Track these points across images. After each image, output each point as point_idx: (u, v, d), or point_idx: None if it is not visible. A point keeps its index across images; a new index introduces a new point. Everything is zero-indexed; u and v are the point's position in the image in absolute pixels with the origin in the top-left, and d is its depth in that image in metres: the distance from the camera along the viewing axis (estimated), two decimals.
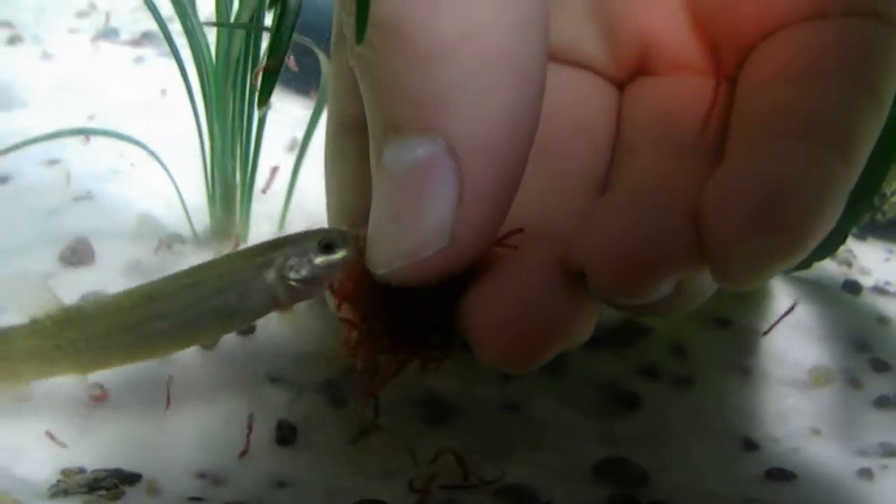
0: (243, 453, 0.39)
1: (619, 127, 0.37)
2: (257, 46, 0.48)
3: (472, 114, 0.28)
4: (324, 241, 0.36)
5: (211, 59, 0.48)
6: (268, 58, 0.32)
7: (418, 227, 0.29)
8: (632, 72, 0.37)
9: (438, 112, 0.28)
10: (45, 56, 0.74)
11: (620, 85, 0.38)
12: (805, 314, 0.51)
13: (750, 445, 0.43)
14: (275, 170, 0.50)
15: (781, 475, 0.41)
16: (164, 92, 0.67)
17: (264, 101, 0.34)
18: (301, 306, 0.37)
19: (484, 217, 0.29)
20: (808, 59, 0.31)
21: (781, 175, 0.27)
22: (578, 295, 0.30)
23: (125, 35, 0.79)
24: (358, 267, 0.32)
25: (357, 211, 0.37)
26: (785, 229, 0.26)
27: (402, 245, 0.29)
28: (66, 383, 0.41)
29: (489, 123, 0.28)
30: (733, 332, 0.49)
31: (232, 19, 0.47)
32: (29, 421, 0.40)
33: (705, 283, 0.31)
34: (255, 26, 0.46)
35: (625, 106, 0.37)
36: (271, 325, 0.45)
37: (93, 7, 0.86)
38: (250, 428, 0.40)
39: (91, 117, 0.65)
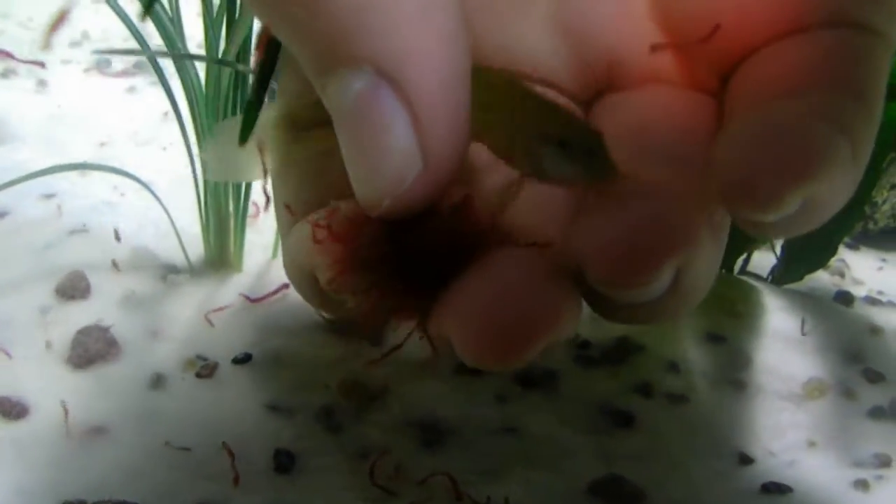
0: (236, 480, 0.39)
1: None
2: (247, 76, 0.48)
3: (388, 30, 0.27)
4: None
5: (201, 88, 0.49)
6: (249, 96, 0.33)
7: (389, 161, 0.28)
8: (597, 88, 0.37)
9: (356, 41, 0.27)
10: (39, 87, 0.75)
11: (584, 102, 0.37)
12: (798, 327, 0.51)
13: (746, 460, 0.43)
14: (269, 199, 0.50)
15: (777, 489, 0.41)
16: (165, 115, 0.68)
17: (245, 137, 0.34)
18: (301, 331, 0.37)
19: (446, 126, 0.28)
20: (796, 74, 0.31)
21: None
22: (562, 287, 0.30)
23: (118, 65, 0.80)
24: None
25: (309, 199, 0.37)
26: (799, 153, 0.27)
27: (381, 182, 0.28)
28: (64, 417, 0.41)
29: (409, 36, 0.27)
30: (726, 347, 0.49)
31: (221, 49, 0.48)
32: (27, 455, 0.40)
33: (700, 278, 0.31)
34: (227, 62, 0.47)
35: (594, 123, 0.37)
36: (269, 353, 0.45)
37: (86, 37, 0.86)
38: (231, 455, 0.40)
39: (102, 144, 0.65)
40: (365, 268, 0.31)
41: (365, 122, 0.28)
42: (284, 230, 0.39)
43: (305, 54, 0.29)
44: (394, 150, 0.28)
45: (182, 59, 0.48)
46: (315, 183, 0.37)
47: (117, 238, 0.54)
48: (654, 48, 0.35)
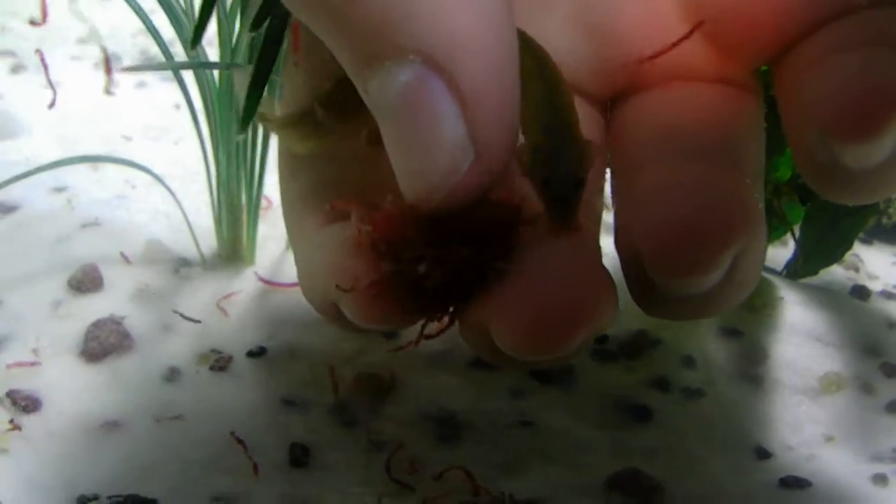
0: (255, 469, 0.39)
1: (612, 148, 0.36)
2: None
3: (436, 18, 0.27)
4: None
5: (214, 81, 0.49)
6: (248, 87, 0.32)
7: (439, 153, 0.27)
8: (618, 88, 0.36)
9: (403, 32, 0.27)
10: (48, 84, 0.74)
11: (602, 103, 0.37)
12: (814, 321, 0.51)
13: (763, 454, 0.42)
14: None
15: (796, 483, 0.41)
16: (177, 107, 0.67)
17: (245, 127, 0.33)
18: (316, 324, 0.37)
19: (497, 114, 0.27)
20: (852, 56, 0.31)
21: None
22: (604, 278, 0.30)
23: (127, 60, 0.79)
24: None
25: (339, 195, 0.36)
26: None
27: (433, 176, 0.28)
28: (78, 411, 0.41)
29: (456, 23, 0.27)
30: (743, 341, 0.49)
31: (234, 41, 0.47)
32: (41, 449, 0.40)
33: (753, 269, 0.31)
34: (232, 65, 0.47)
35: (617, 125, 0.36)
36: (283, 346, 0.45)
37: (94, 33, 0.86)
38: (242, 444, 0.40)
39: (113, 139, 0.65)
40: (405, 290, 0.30)
41: (414, 115, 0.27)
42: (296, 235, 0.38)
43: (345, 47, 0.28)
44: (445, 142, 0.27)
45: (199, 66, 0.47)
46: (331, 182, 0.37)
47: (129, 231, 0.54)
48: (679, 41, 0.34)
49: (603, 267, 0.31)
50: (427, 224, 0.30)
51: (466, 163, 0.27)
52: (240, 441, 0.40)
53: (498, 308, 0.29)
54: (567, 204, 0.30)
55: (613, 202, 0.35)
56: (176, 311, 0.48)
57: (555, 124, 0.31)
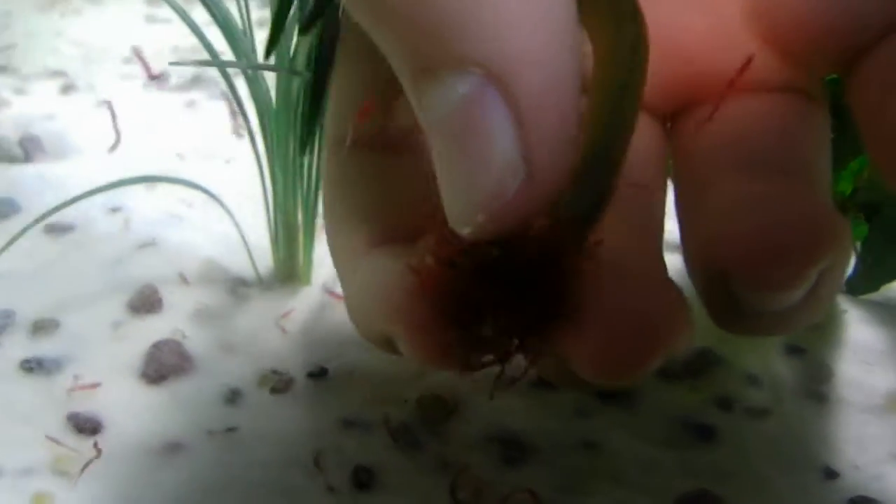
0: (330, 490, 0.39)
1: (677, 162, 0.35)
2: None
3: (503, 28, 0.25)
4: None
5: (271, 100, 0.48)
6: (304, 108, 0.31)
7: (489, 170, 0.25)
8: (680, 102, 0.35)
9: (464, 41, 0.25)
10: (100, 104, 0.75)
11: (664, 117, 0.36)
12: (877, 338, 0.50)
13: (831, 474, 0.42)
14: None
15: (865, 503, 0.40)
16: (239, 134, 0.68)
17: (303, 150, 0.33)
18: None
19: (553, 134, 0.26)
20: None
21: None
22: (679, 296, 0.29)
23: (175, 80, 0.80)
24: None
25: (381, 229, 0.35)
26: None
27: (478, 195, 0.26)
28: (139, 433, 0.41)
29: (525, 34, 0.25)
30: (807, 359, 0.48)
31: (291, 53, 0.47)
32: (102, 472, 0.40)
33: (836, 283, 0.30)
34: (291, 70, 0.46)
35: (682, 139, 0.35)
36: (345, 367, 0.45)
37: (139, 52, 0.86)
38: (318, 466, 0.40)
39: (165, 158, 0.65)
40: (465, 340, 0.29)
41: (467, 129, 0.26)
42: (342, 260, 0.37)
43: (401, 54, 0.27)
44: (496, 159, 0.25)
45: (258, 68, 0.47)
46: (379, 208, 0.36)
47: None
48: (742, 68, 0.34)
49: (676, 285, 0.30)
50: (480, 274, 0.28)
51: (516, 183, 0.25)
52: (317, 463, 0.40)
53: (574, 336, 0.28)
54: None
55: (680, 218, 0.34)
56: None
57: (597, 158, 0.29)
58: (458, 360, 0.30)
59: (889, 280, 0.52)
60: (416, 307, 0.30)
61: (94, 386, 0.45)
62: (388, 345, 0.33)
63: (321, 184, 0.39)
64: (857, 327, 0.51)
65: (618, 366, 0.28)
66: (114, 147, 0.56)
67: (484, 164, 0.26)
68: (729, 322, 0.31)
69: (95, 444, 0.41)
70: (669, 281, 0.30)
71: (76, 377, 0.45)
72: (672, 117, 0.37)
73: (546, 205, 0.26)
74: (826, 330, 0.50)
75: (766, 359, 0.48)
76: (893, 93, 0.30)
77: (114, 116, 0.62)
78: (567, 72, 0.26)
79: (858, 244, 0.50)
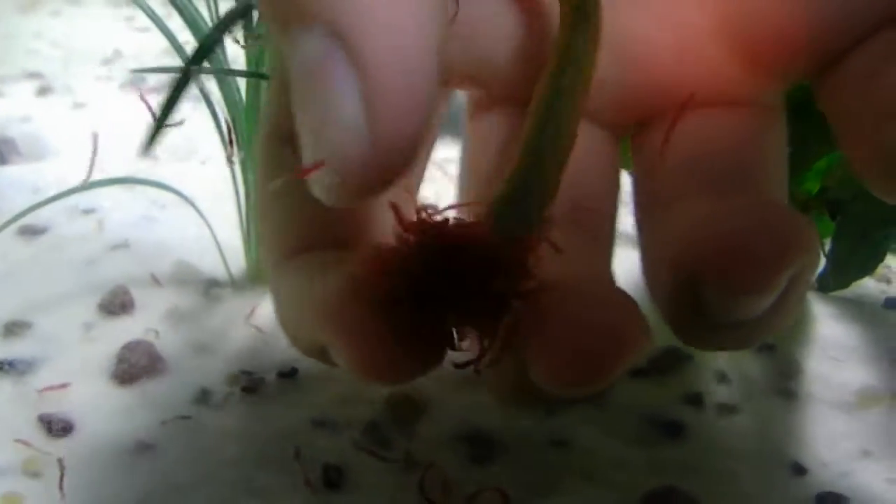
0: (307, 483, 0.39)
1: (638, 179, 0.35)
2: None
3: None
4: None
5: (242, 100, 0.49)
6: None
7: (333, 132, 0.24)
8: (644, 115, 0.35)
9: None
10: (76, 106, 0.75)
11: (624, 130, 0.36)
12: (847, 334, 0.50)
13: (799, 470, 0.42)
14: None
15: (833, 499, 0.40)
16: (231, 162, 0.67)
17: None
18: None
19: (397, 99, 0.24)
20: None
21: None
22: (636, 307, 0.29)
23: (152, 81, 0.80)
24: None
25: (307, 234, 0.34)
26: None
27: (323, 156, 0.25)
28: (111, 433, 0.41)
29: None
30: (776, 356, 0.48)
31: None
32: (73, 473, 0.40)
33: (803, 290, 0.30)
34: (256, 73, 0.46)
35: (644, 154, 0.35)
36: (315, 367, 0.45)
37: (118, 54, 0.87)
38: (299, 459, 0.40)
39: (140, 160, 0.65)
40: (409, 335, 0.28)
41: (313, 88, 0.25)
42: (272, 269, 0.35)
43: (265, 13, 0.27)
44: (339, 119, 0.24)
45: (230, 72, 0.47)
46: (307, 211, 0.34)
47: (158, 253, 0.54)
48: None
49: (629, 295, 0.30)
50: (427, 266, 0.27)
51: (356, 151, 0.24)
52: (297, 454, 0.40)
53: (535, 343, 0.28)
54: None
55: (642, 231, 0.34)
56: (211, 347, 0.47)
57: (530, 175, 0.30)
58: (395, 368, 0.29)
59: (859, 276, 0.52)
60: (351, 315, 0.29)
61: (66, 387, 0.45)
62: (321, 354, 0.32)
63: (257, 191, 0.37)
64: (827, 323, 0.51)
65: (578, 376, 0.27)
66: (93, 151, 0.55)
67: (329, 127, 0.24)
68: (695, 335, 0.31)
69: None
70: (623, 291, 0.30)
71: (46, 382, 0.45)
72: (634, 130, 0.37)
73: (394, 176, 0.25)
74: (796, 327, 0.50)
75: (735, 356, 0.48)
76: (877, 92, 0.30)
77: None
78: (421, 41, 0.25)
79: (826, 242, 0.50)
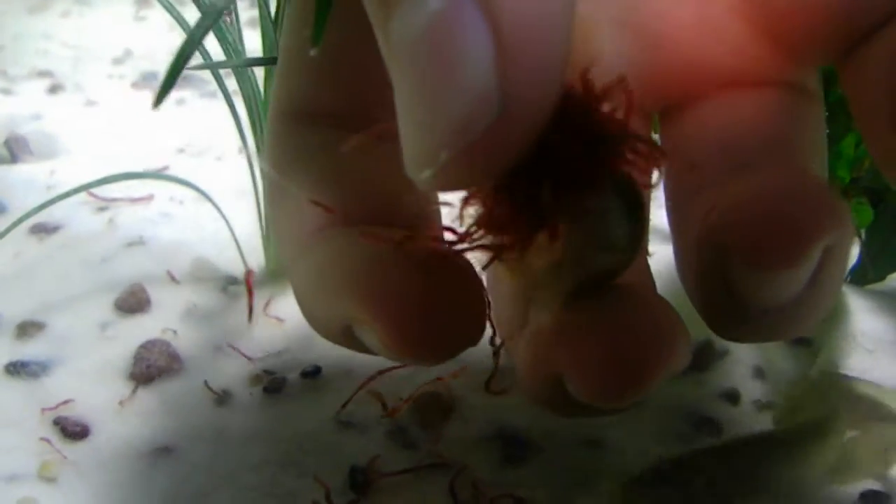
0: (327, 496, 0.38)
1: (668, 163, 0.34)
2: None
3: None
4: None
5: (260, 95, 0.47)
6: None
7: (458, 100, 0.21)
8: (671, 98, 0.34)
9: None
10: (88, 104, 0.74)
11: (654, 113, 0.35)
12: (884, 328, 0.49)
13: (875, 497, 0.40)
14: None
15: (875, 497, 0.39)
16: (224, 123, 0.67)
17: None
18: None
19: (536, 63, 0.21)
20: None
21: None
22: (675, 314, 0.28)
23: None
24: None
25: (338, 209, 0.31)
26: None
27: (443, 129, 0.22)
28: (128, 436, 0.40)
29: None
30: (812, 351, 0.47)
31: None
32: (90, 478, 0.39)
33: (839, 270, 0.28)
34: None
35: (673, 140, 0.34)
36: (339, 365, 0.44)
37: (128, 53, 0.86)
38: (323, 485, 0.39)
39: (154, 157, 0.64)
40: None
41: (436, 51, 0.21)
42: (291, 247, 0.33)
43: None
44: (468, 87, 0.21)
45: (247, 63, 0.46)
46: (333, 187, 0.32)
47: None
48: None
49: (668, 302, 0.29)
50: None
51: (488, 119, 0.21)
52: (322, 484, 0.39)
53: (573, 356, 0.27)
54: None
55: (672, 219, 0.33)
56: (231, 346, 0.46)
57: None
58: (433, 342, 0.27)
59: (894, 270, 0.51)
60: (387, 290, 0.27)
61: (81, 388, 0.43)
62: (347, 337, 0.29)
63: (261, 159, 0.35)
64: (863, 317, 0.50)
65: (618, 389, 0.26)
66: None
67: (453, 92, 0.21)
68: (728, 324, 0.30)
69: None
70: (663, 299, 0.29)
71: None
72: (662, 114, 0.35)
73: (518, 152, 0.23)
74: (831, 321, 0.49)
75: (771, 351, 0.47)
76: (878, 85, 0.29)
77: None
78: (562, 2, 0.22)
79: (863, 232, 0.49)
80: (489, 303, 0.29)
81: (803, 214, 0.26)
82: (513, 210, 0.25)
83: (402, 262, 0.27)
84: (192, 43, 0.25)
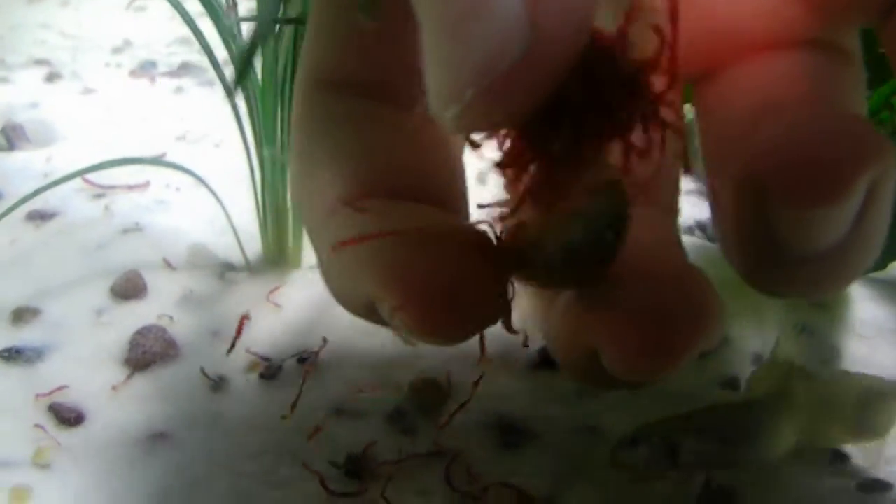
0: (322, 482, 0.38)
1: (703, 127, 0.33)
2: None
3: None
4: None
5: (257, 81, 0.47)
6: None
7: (485, 34, 0.20)
8: (705, 63, 0.32)
9: None
10: (85, 91, 0.74)
11: (690, 79, 0.33)
12: (885, 317, 0.49)
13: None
14: None
15: (875, 486, 0.39)
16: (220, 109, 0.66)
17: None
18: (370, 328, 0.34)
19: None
20: None
21: None
22: (710, 288, 0.27)
23: (163, 67, 0.79)
24: None
25: (365, 180, 0.30)
26: None
27: (470, 65, 0.21)
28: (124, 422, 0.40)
29: None
30: (813, 339, 0.47)
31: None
32: (85, 464, 0.39)
33: (883, 213, 0.26)
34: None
35: (707, 106, 0.33)
36: (336, 351, 0.44)
37: (128, 43, 0.85)
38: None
39: (152, 144, 0.64)
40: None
41: None
42: (316, 219, 0.32)
43: None
44: (495, 20, 0.20)
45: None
46: (361, 159, 0.31)
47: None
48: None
49: (702, 273, 0.28)
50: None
51: (516, 54, 0.20)
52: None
53: (608, 333, 0.26)
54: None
55: (710, 178, 0.32)
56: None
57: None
58: (457, 319, 0.26)
59: None
60: (413, 269, 0.26)
61: (77, 374, 0.43)
62: (373, 313, 0.29)
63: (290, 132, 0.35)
64: (865, 306, 0.49)
65: (652, 363, 0.26)
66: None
67: (480, 27, 0.21)
68: (766, 274, 0.28)
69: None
70: (696, 270, 0.28)
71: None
72: (696, 80, 0.35)
73: (544, 91, 0.22)
74: (832, 308, 0.49)
75: (771, 339, 0.46)
76: None
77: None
78: None
79: None
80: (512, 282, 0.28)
81: (844, 148, 0.24)
82: (534, 154, 0.25)
83: (426, 241, 0.27)
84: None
